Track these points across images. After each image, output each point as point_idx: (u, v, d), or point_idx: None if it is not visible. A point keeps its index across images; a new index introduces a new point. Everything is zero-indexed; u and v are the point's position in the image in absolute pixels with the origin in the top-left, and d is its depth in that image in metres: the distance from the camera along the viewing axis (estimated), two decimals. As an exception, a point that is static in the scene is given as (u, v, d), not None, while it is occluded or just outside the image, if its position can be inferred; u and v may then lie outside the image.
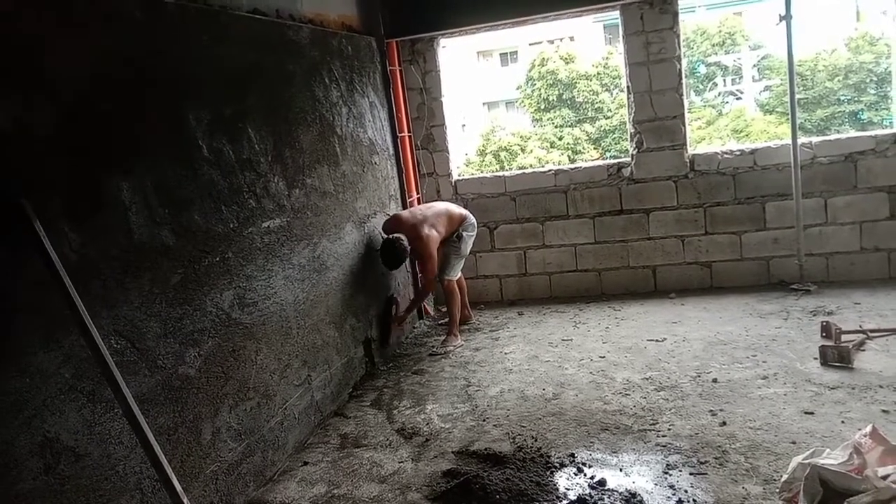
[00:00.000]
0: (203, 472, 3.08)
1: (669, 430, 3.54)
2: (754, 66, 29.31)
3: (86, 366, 2.46)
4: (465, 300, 5.88)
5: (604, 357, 4.71)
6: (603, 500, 2.95)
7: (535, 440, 3.61)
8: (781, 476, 2.80)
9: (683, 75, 5.80)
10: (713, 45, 28.44)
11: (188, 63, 3.26)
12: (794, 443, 3.23)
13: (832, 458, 2.62)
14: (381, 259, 5.08)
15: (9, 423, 2.19)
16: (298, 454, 3.83)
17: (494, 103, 30.04)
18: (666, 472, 3.13)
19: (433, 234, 5.22)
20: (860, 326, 4.49)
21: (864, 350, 4.21)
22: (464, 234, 5.50)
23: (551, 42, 26.24)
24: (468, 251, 5.64)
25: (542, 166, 12.32)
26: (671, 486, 3.01)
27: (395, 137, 5.84)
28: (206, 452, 3.11)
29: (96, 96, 2.67)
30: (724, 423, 3.52)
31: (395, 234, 5.06)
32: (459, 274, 5.65)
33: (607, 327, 5.36)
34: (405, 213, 5.40)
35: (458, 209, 5.60)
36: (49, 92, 2.46)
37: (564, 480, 3.17)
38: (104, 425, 2.54)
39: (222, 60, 3.54)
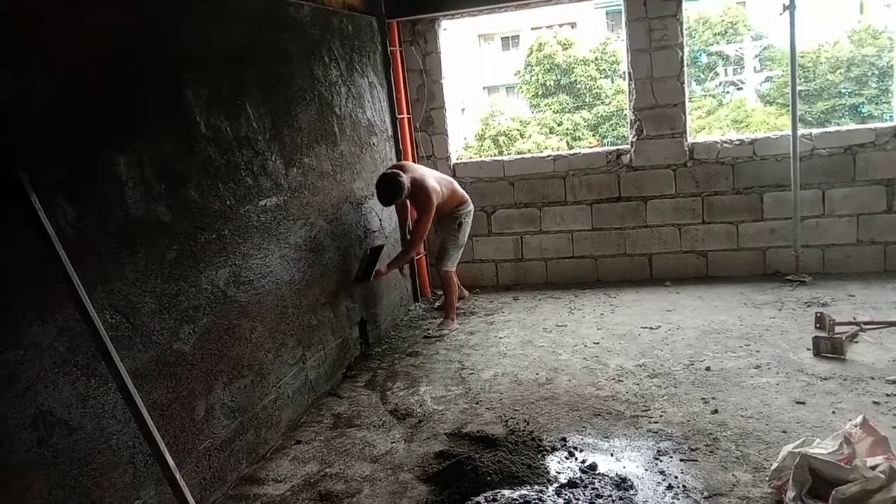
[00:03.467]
0: (196, 448, 3.09)
1: (661, 416, 3.56)
2: (756, 56, 29.23)
3: (80, 339, 2.45)
4: (459, 280, 5.84)
5: (598, 343, 4.72)
6: (593, 484, 2.96)
7: (528, 424, 3.63)
8: (771, 464, 2.83)
9: (685, 63, 5.77)
10: (715, 35, 28.34)
11: (187, 38, 3.23)
12: (784, 432, 3.25)
13: (822, 448, 2.64)
14: (377, 191, 4.87)
15: (2, 395, 2.18)
16: (291, 433, 3.84)
17: (494, 88, 29.93)
18: (657, 458, 3.15)
19: (438, 190, 5.06)
20: (854, 318, 4.51)
21: (857, 342, 4.23)
22: (463, 221, 5.43)
23: (549, 27, 26.12)
24: (465, 241, 5.56)
25: (541, 151, 12.28)
26: (662, 472, 3.03)
27: (394, 119, 5.81)
28: (199, 429, 3.12)
29: (93, 70, 2.64)
30: (716, 411, 3.54)
31: (396, 171, 4.89)
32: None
33: (602, 314, 5.37)
34: (414, 164, 5.29)
35: (461, 189, 5.53)
36: (46, 65, 2.43)
37: (556, 464, 3.19)
38: (98, 399, 2.54)
39: (221, 36, 3.50)
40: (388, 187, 4.79)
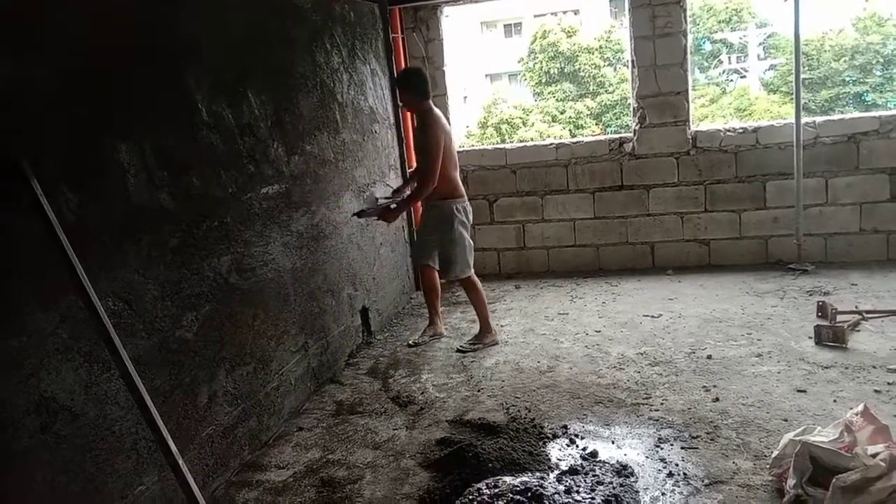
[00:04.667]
0: (199, 434, 3.10)
1: (662, 404, 3.57)
2: (760, 44, 29.10)
3: (83, 326, 2.45)
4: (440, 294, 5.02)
5: (599, 331, 4.73)
6: (594, 471, 2.97)
7: (529, 411, 3.64)
8: (772, 452, 2.84)
9: (689, 51, 5.74)
10: (719, 22, 28.18)
11: (189, 24, 3.21)
12: (785, 420, 3.26)
13: (823, 436, 2.64)
14: (398, 75, 4.65)
15: (6, 381, 2.19)
16: (294, 420, 3.86)
17: (497, 75, 29.81)
18: (658, 446, 3.16)
19: (440, 142, 4.44)
20: (856, 307, 4.51)
21: (858, 331, 4.23)
22: (455, 216, 4.63)
23: (554, 14, 25.98)
24: (467, 240, 4.71)
25: (544, 140, 12.25)
26: (662, 460, 3.04)
27: (396, 106, 5.79)
28: (201, 415, 3.13)
29: (95, 57, 2.63)
30: (717, 399, 3.54)
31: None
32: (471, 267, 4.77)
33: (604, 302, 5.37)
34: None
35: (459, 180, 4.77)
36: (48, 51, 2.42)
37: (557, 451, 3.20)
38: (101, 386, 2.55)
39: (223, 23, 3.49)
40: (412, 73, 4.67)
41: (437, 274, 4.78)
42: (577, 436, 3.32)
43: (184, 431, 2.99)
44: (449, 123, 4.71)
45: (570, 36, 24.85)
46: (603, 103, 24.14)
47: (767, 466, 2.83)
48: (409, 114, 6.04)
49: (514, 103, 24.87)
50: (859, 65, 23.87)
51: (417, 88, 4.52)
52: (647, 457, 3.08)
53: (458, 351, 4.65)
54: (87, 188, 2.54)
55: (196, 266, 3.14)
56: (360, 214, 4.65)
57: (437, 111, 4.58)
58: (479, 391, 3.98)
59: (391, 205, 4.66)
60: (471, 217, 4.79)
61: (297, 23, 4.24)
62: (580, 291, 5.73)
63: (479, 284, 4.79)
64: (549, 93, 24.96)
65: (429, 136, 4.45)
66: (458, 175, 4.71)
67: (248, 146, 3.60)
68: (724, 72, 28.82)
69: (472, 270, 4.75)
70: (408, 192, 4.83)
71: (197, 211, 3.17)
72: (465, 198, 4.73)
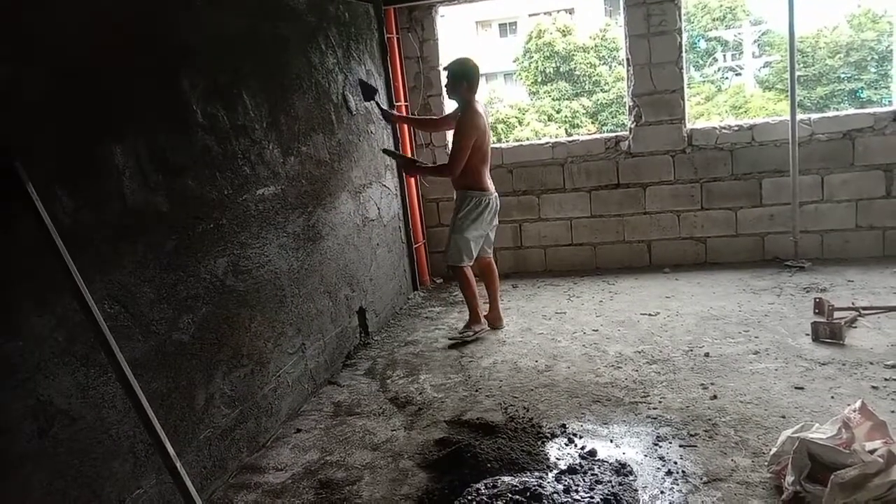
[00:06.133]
0: (196, 437, 3.10)
1: (660, 402, 3.57)
2: (755, 41, 29.13)
3: (79, 330, 2.44)
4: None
5: (597, 330, 4.73)
6: (593, 469, 2.97)
7: (527, 411, 3.64)
8: (770, 449, 2.84)
9: (683, 49, 5.75)
10: (714, 20, 28.22)
11: (183, 26, 3.21)
12: (783, 417, 3.26)
13: (821, 433, 2.65)
14: (454, 63, 4.73)
15: (2, 386, 2.18)
16: (292, 421, 3.85)
17: (492, 75, 29.80)
18: (656, 444, 3.16)
19: (470, 144, 4.50)
20: (852, 303, 4.52)
21: (855, 327, 4.24)
22: (468, 206, 4.71)
23: (548, 14, 25.99)
24: (471, 230, 4.74)
25: (540, 139, 12.24)
26: (661, 458, 3.04)
27: (391, 106, 5.79)
28: (199, 418, 3.12)
29: (90, 59, 2.62)
30: (715, 397, 3.55)
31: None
32: (470, 260, 4.82)
33: (601, 301, 5.37)
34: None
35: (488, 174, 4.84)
36: (42, 54, 2.41)
37: (555, 450, 3.20)
38: (97, 389, 2.54)
39: (217, 24, 3.48)
40: (462, 64, 4.69)
41: (480, 266, 4.99)
42: (575, 435, 3.32)
43: (181, 434, 2.99)
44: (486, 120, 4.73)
45: (566, 35, 24.86)
46: (599, 102, 24.16)
47: (766, 463, 2.83)
48: (405, 114, 6.05)
49: (510, 103, 24.88)
50: (854, 61, 23.94)
51: (470, 81, 4.60)
52: (645, 455, 3.08)
53: (450, 341, 4.78)
54: (83, 191, 2.53)
55: (192, 268, 3.14)
56: (389, 153, 5.23)
57: (479, 109, 4.63)
58: (477, 391, 3.98)
59: (417, 161, 5.21)
60: (490, 209, 4.77)
61: (292, 23, 4.24)
62: (577, 290, 5.74)
63: (471, 278, 4.84)
64: (544, 92, 24.95)
65: (461, 135, 4.54)
66: (485, 168, 4.74)
67: (244, 147, 3.59)
68: (719, 69, 28.88)
69: (469, 263, 4.80)
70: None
71: (192, 213, 3.16)
72: (488, 191, 4.75)
